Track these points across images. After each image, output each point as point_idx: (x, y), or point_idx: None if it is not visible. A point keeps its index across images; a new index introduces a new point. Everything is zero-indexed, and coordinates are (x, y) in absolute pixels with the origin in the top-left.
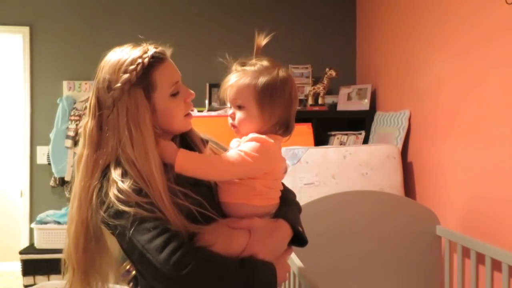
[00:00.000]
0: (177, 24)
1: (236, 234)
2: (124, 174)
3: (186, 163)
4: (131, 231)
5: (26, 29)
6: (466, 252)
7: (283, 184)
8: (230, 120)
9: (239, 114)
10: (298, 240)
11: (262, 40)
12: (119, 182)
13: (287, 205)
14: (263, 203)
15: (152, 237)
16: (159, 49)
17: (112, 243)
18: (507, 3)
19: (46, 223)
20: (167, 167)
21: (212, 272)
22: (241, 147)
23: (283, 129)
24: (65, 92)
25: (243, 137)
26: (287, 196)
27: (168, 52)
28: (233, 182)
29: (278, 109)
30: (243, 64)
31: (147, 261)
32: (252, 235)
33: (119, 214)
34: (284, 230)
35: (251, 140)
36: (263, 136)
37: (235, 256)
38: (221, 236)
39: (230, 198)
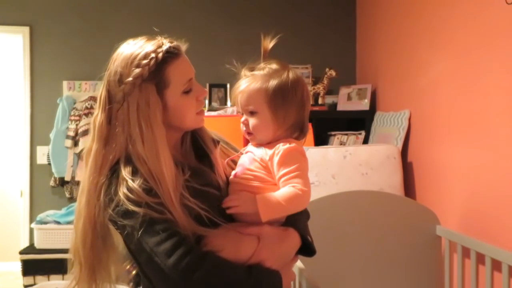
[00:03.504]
0: (176, 24)
1: (245, 240)
2: (134, 172)
3: (270, 212)
4: (139, 232)
5: (26, 29)
6: (466, 252)
7: None
8: (243, 127)
9: (252, 121)
10: (306, 249)
11: (269, 43)
12: (129, 181)
13: (297, 213)
14: None
15: (161, 240)
16: (174, 43)
17: (118, 240)
18: (507, 3)
19: (46, 223)
20: (178, 170)
21: (220, 279)
22: (284, 169)
23: (298, 131)
24: (65, 92)
25: (274, 150)
26: None
27: (184, 47)
28: (245, 189)
29: (291, 112)
30: (251, 69)
31: (155, 265)
32: (261, 242)
33: (128, 213)
34: (293, 239)
35: (289, 153)
36: (293, 144)
37: (243, 262)
38: (230, 241)
39: None
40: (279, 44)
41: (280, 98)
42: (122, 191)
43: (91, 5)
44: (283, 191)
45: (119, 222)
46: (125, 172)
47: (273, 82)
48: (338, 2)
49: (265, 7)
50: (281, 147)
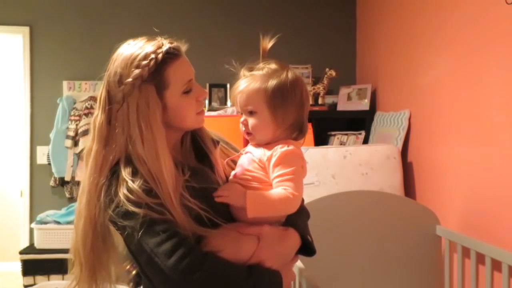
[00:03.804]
0: (176, 25)
1: (245, 240)
2: (134, 173)
3: (257, 209)
4: (140, 233)
5: (26, 29)
6: (466, 252)
7: None
8: (242, 128)
9: (251, 121)
10: (306, 249)
11: (268, 43)
12: (129, 182)
13: (297, 212)
14: None
15: (161, 240)
16: (174, 44)
17: (118, 240)
18: (507, 3)
19: (46, 223)
20: (178, 170)
21: (220, 279)
22: (279, 171)
23: (297, 131)
24: (65, 92)
25: (271, 152)
26: None
27: (184, 48)
28: (247, 189)
29: (290, 112)
30: (250, 69)
31: (155, 265)
32: (261, 242)
33: (128, 214)
34: (293, 239)
35: (286, 156)
36: (291, 147)
37: (243, 262)
38: (230, 241)
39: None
40: (279, 44)
41: (279, 98)
42: (122, 192)
43: (91, 5)
44: (275, 192)
45: (119, 223)
46: (125, 173)
47: (272, 82)
48: (338, 2)
49: (265, 7)
50: (279, 149)
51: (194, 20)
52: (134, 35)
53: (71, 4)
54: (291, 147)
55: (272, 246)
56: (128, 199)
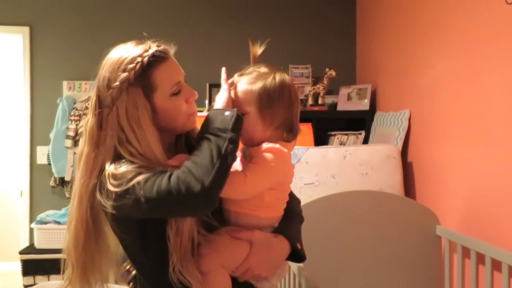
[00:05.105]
0: (177, 25)
1: (239, 245)
2: (119, 163)
3: None
4: (142, 195)
5: (26, 29)
6: (466, 252)
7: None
8: None
9: None
10: (296, 255)
11: (258, 49)
12: (112, 172)
13: (289, 218)
14: (268, 214)
15: (157, 185)
16: (161, 47)
17: (112, 242)
18: (507, 3)
19: (46, 223)
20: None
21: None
22: (254, 159)
23: (287, 132)
24: (65, 92)
25: (256, 148)
26: (291, 207)
27: (172, 50)
28: None
29: (278, 113)
30: (241, 75)
31: (171, 205)
32: (252, 249)
33: (125, 192)
34: (282, 247)
35: (265, 151)
36: (277, 146)
37: (235, 267)
38: (225, 246)
39: (234, 206)
40: (279, 44)
41: (266, 99)
42: (110, 182)
43: (91, 5)
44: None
45: (127, 204)
46: (109, 168)
47: (259, 84)
48: (338, 2)
49: (266, 7)
50: (265, 145)
51: (194, 20)
52: (134, 35)
53: (71, 4)
54: (277, 145)
55: (261, 253)
56: (115, 185)
